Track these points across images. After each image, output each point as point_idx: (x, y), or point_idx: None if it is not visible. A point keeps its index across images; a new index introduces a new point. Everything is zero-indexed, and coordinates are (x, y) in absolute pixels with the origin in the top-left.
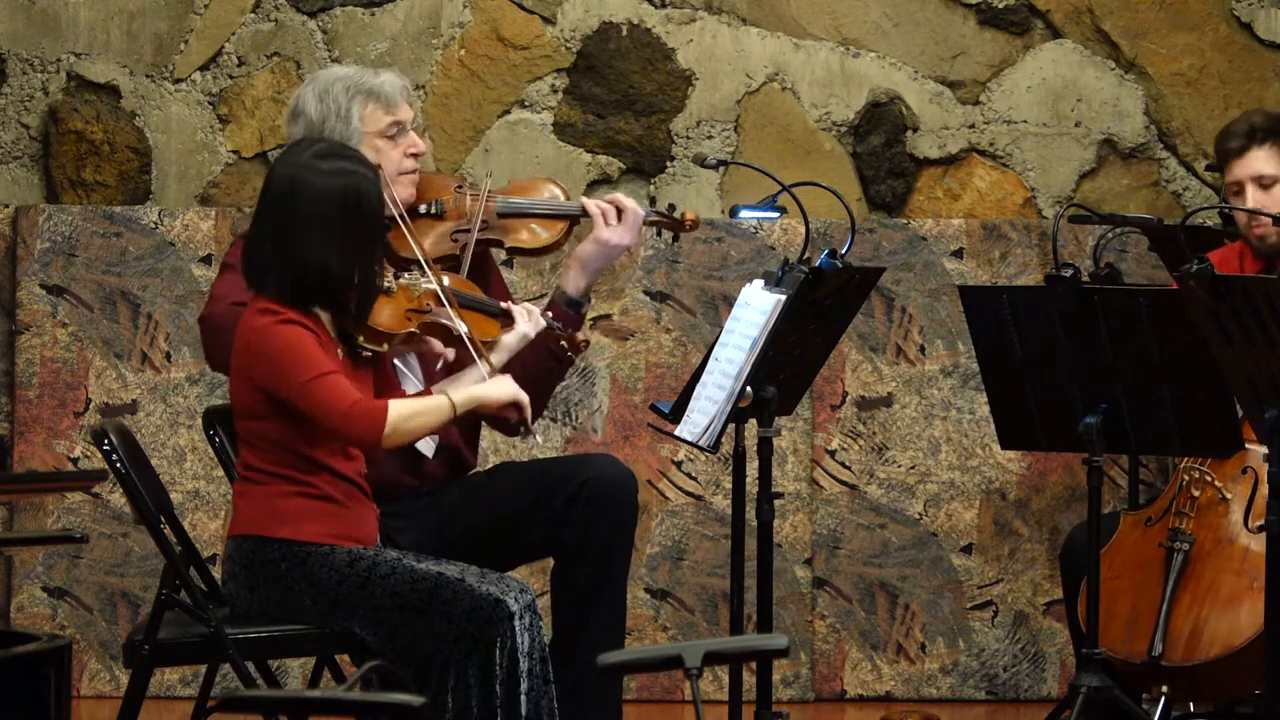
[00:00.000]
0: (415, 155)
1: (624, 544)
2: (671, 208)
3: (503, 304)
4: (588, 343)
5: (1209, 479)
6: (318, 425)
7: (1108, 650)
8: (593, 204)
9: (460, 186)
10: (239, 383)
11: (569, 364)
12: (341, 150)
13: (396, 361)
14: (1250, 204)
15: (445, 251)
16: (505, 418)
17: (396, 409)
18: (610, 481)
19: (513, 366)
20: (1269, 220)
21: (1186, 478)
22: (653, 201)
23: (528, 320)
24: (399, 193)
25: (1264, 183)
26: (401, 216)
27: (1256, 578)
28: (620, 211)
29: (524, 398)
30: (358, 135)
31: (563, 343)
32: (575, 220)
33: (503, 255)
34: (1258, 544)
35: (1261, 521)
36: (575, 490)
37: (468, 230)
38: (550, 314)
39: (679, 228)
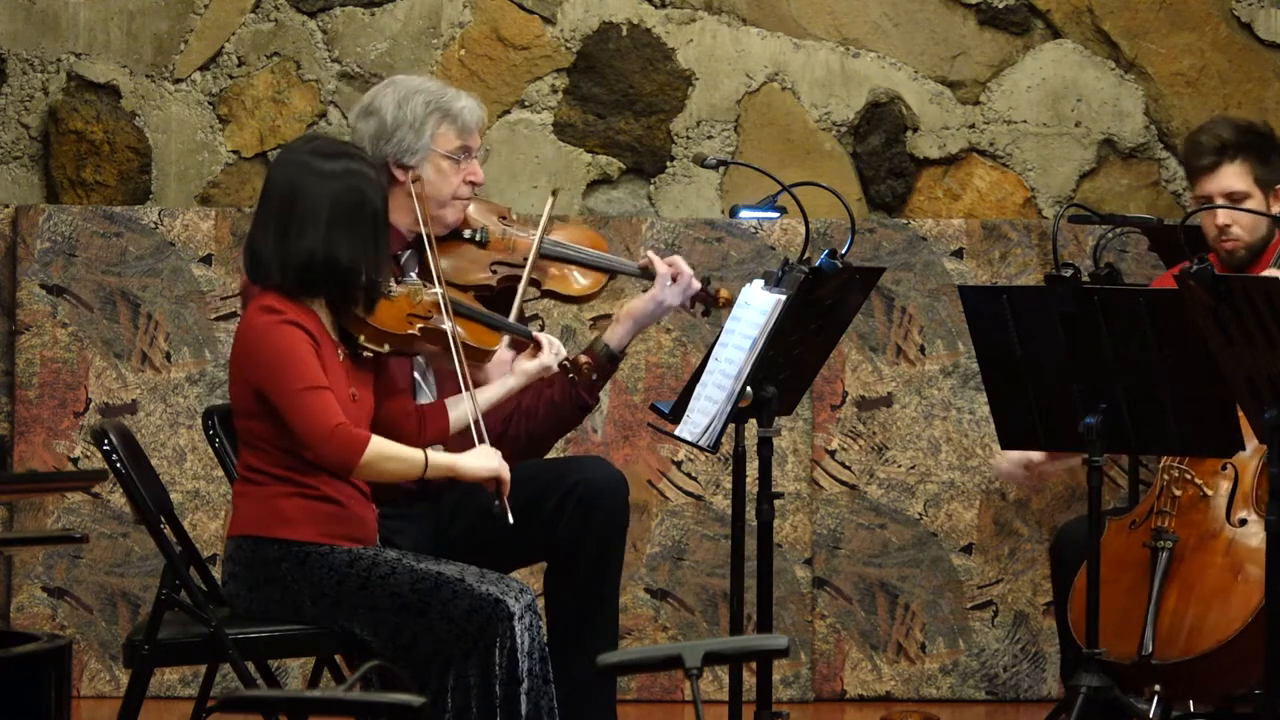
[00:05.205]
0: (474, 184)
1: (616, 547)
2: (706, 280)
3: (534, 332)
4: (598, 401)
5: (1189, 477)
6: (296, 436)
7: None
8: (661, 263)
9: (505, 218)
10: (236, 381)
11: (581, 418)
12: (343, 148)
13: (416, 375)
14: (1220, 218)
15: (481, 281)
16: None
17: (375, 447)
18: (601, 484)
19: (539, 407)
20: (1241, 235)
21: (1167, 477)
22: (651, 201)
23: (550, 351)
24: (448, 216)
25: (1234, 198)
26: (428, 236)
27: (1241, 569)
28: (677, 275)
29: (505, 473)
30: (425, 151)
31: (581, 393)
32: (614, 275)
33: (536, 293)
34: (1241, 536)
35: (1243, 515)
36: (566, 493)
37: (506, 264)
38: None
39: (712, 303)
